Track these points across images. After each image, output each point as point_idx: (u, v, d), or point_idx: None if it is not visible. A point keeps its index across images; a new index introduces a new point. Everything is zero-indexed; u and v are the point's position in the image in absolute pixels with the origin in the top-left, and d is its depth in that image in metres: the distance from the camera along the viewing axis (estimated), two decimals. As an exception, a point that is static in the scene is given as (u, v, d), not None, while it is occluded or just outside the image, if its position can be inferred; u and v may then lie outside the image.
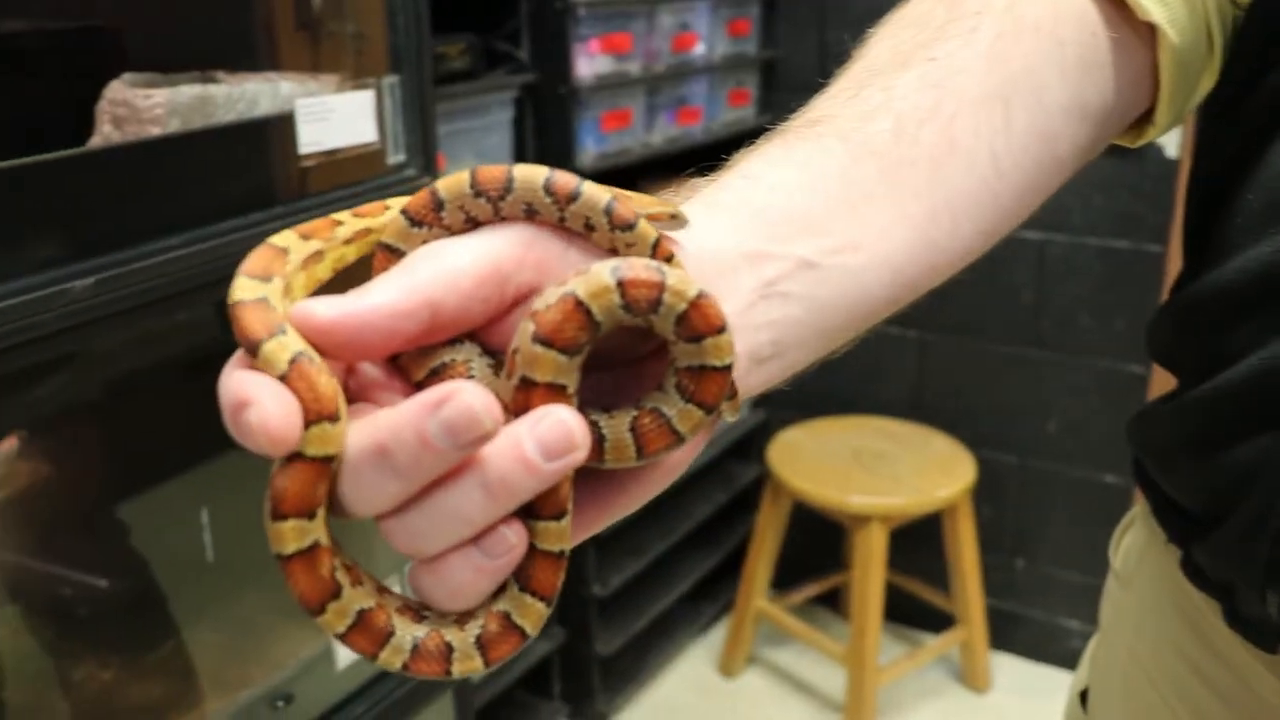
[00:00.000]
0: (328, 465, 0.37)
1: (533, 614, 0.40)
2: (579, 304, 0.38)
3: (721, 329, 0.40)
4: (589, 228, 0.41)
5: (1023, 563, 2.63)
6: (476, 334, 0.41)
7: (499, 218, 0.41)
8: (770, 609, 2.54)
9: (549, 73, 2.05)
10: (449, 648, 0.39)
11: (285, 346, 0.36)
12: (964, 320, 2.55)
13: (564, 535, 0.39)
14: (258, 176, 1.11)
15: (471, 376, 0.40)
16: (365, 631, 0.39)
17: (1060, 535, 2.58)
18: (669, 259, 0.42)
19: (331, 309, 0.37)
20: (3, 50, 1.25)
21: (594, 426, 0.41)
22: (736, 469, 2.84)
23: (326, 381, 0.36)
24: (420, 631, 0.39)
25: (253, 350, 0.37)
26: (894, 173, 0.49)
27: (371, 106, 1.18)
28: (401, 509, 0.37)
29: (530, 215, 0.41)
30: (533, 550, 0.39)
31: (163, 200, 1.03)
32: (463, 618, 0.40)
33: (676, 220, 0.44)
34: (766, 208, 0.47)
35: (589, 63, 2.11)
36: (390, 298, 0.37)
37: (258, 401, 0.35)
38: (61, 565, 1.31)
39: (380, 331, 0.37)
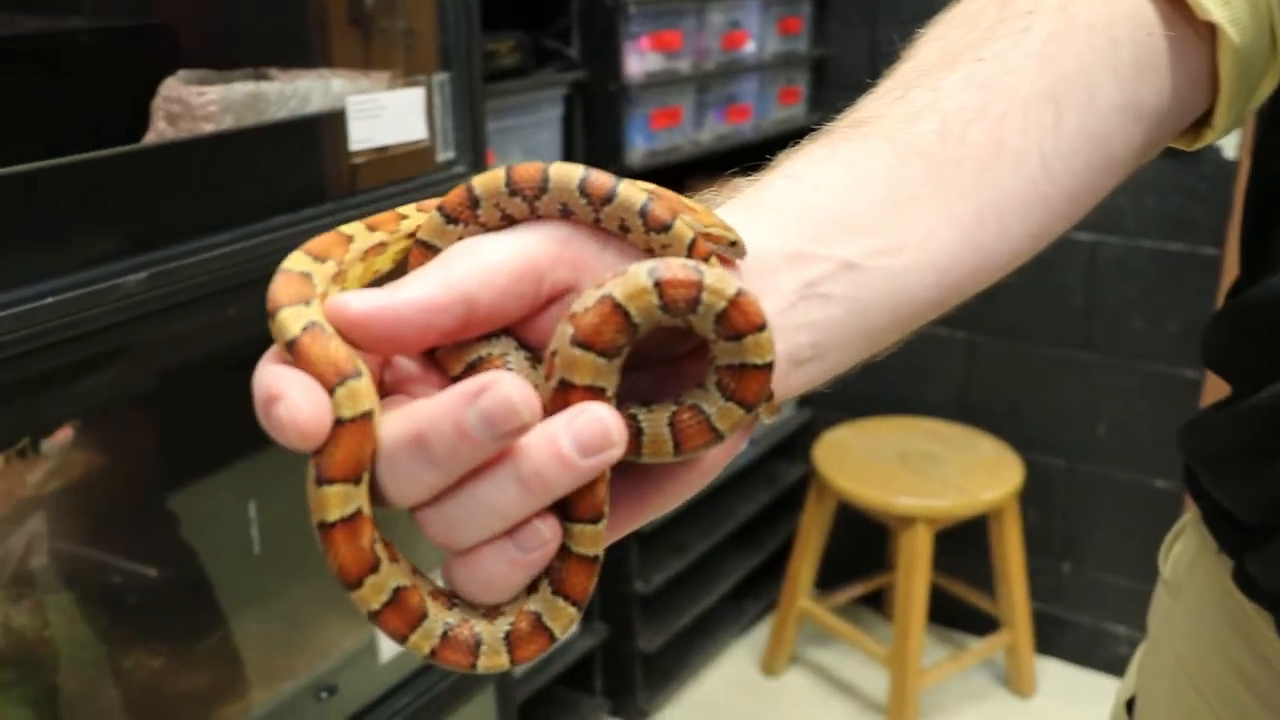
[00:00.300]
0: (368, 423, 0.37)
1: (563, 617, 0.40)
2: (617, 306, 0.38)
3: (762, 326, 0.40)
4: (624, 229, 0.41)
5: (1069, 567, 2.60)
6: (513, 330, 0.41)
7: (535, 216, 0.41)
8: (813, 609, 2.53)
9: (599, 70, 2.06)
10: (478, 641, 0.39)
11: (300, 315, 0.37)
12: (1013, 322, 2.52)
13: (598, 539, 0.39)
14: (309, 173, 1.12)
15: (509, 370, 0.40)
16: (400, 611, 0.38)
17: (1108, 540, 2.55)
18: (706, 259, 0.42)
19: (366, 302, 0.37)
20: (60, 48, 1.27)
21: (632, 420, 0.41)
22: (781, 468, 2.83)
23: (338, 345, 0.37)
24: (452, 619, 0.39)
25: (271, 314, 0.37)
26: (940, 174, 0.48)
27: (422, 104, 1.19)
28: (437, 499, 0.37)
29: (566, 214, 0.41)
30: (567, 553, 0.39)
31: (215, 196, 1.04)
32: (493, 612, 0.40)
33: (735, 249, 0.44)
34: (810, 208, 0.47)
35: (639, 60, 2.11)
36: (426, 292, 0.38)
37: (287, 396, 0.35)
38: (113, 554, 1.33)
39: (415, 326, 0.37)
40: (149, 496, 1.42)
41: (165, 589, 1.34)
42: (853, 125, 0.51)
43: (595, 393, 0.38)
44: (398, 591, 0.38)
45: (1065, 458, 2.54)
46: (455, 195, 0.41)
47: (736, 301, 0.39)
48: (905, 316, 0.48)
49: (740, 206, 0.47)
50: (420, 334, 0.38)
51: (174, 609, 1.35)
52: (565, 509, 0.38)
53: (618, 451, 0.37)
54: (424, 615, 0.39)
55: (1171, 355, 2.39)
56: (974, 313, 2.51)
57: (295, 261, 0.39)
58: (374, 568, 0.38)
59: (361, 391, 0.36)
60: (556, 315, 0.41)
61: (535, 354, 0.41)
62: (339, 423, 0.36)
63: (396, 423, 0.37)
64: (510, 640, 0.40)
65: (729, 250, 0.43)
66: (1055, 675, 2.59)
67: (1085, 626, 2.61)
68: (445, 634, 0.39)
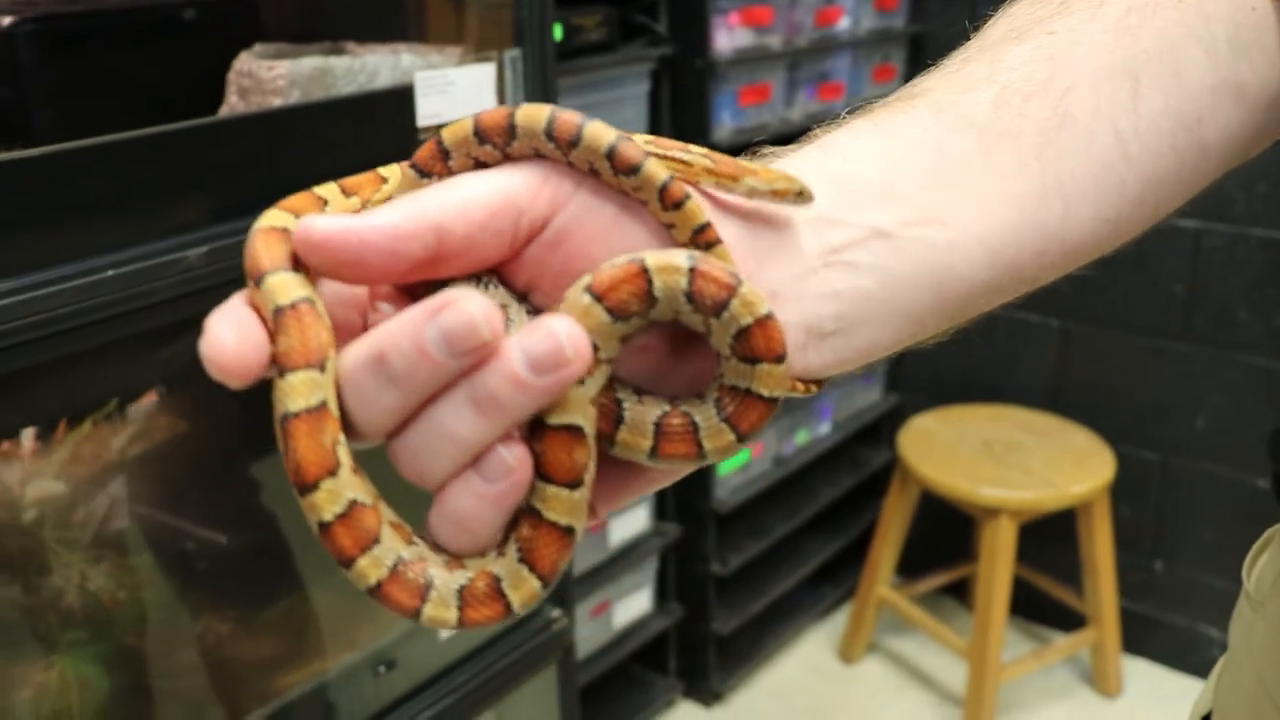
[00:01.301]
0: (312, 307, 0.36)
1: (525, 589, 0.38)
2: (644, 270, 0.37)
3: (781, 357, 0.38)
4: (594, 171, 0.39)
5: (1162, 565, 2.52)
6: (500, 274, 0.40)
7: (508, 161, 0.40)
8: (893, 597, 2.49)
9: (686, 45, 2.03)
10: (428, 584, 0.37)
11: (289, 286, 0.36)
12: (1109, 310, 2.44)
13: (575, 510, 0.37)
14: (375, 148, 1.11)
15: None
16: (352, 528, 0.36)
17: (1205, 539, 2.46)
18: (709, 246, 0.40)
19: (333, 224, 0.36)
20: (148, 20, 1.29)
21: (616, 406, 0.39)
22: (866, 453, 2.79)
23: (319, 331, 0.36)
24: (407, 554, 0.37)
25: (256, 280, 0.36)
26: (995, 145, 0.45)
27: (492, 80, 1.18)
28: (402, 429, 0.36)
29: (540, 156, 0.39)
30: (538, 519, 0.37)
31: (280, 171, 1.05)
32: (455, 563, 0.38)
33: (802, 197, 0.42)
34: (842, 175, 0.44)
35: (728, 36, 2.08)
36: (394, 219, 0.36)
37: (211, 330, 0.35)
38: (188, 519, 1.36)
39: (381, 252, 0.36)
40: (229, 463, 1.45)
41: (237, 555, 1.36)
42: (901, 98, 0.48)
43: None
44: (354, 505, 0.36)
45: (1161, 452, 2.46)
46: (426, 149, 0.39)
47: (763, 323, 0.38)
48: (953, 297, 0.45)
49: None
50: (387, 261, 0.36)
51: (244, 576, 1.37)
52: (540, 470, 0.37)
53: (574, 370, 0.35)
54: (377, 540, 0.37)
55: (1278, 349, 2.29)
56: (1068, 300, 2.46)
57: (272, 218, 0.38)
58: (332, 471, 0.36)
59: (321, 385, 0.35)
60: (537, 257, 0.39)
61: (535, 309, 0.40)
62: (278, 311, 0.35)
63: (360, 344, 0.36)
64: (463, 596, 0.37)
65: (796, 200, 0.42)
66: (1143, 676, 2.52)
67: (1177, 628, 2.53)
68: (395, 567, 0.37)
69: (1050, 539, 2.51)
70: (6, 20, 1.17)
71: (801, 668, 2.57)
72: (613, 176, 0.39)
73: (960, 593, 2.70)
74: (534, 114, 0.38)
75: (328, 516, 0.36)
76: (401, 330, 0.35)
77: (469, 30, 1.23)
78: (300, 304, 0.36)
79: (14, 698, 1.19)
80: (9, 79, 1.19)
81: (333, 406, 0.36)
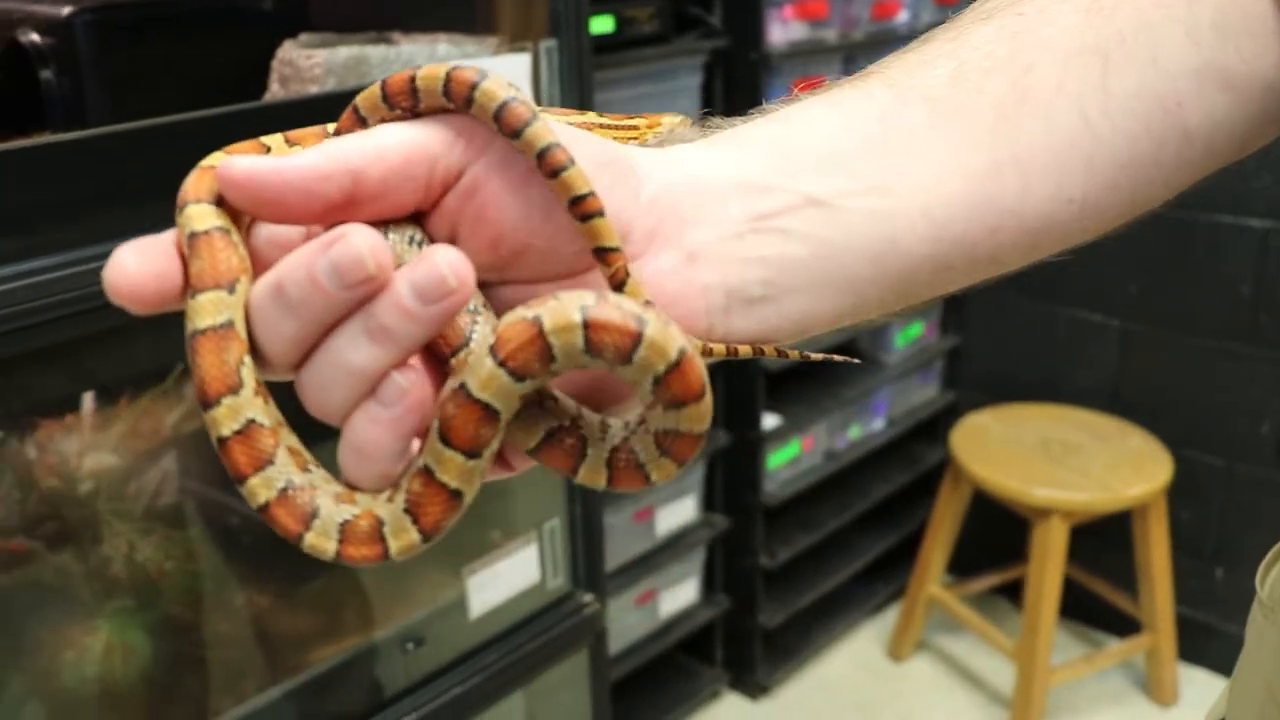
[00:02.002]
0: (226, 236, 0.37)
1: (405, 539, 0.39)
2: (541, 333, 0.37)
3: (701, 394, 0.38)
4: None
5: (1223, 572, 2.47)
6: (423, 224, 0.41)
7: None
8: (943, 596, 2.47)
9: (740, 38, 2.03)
10: (314, 512, 0.39)
11: (206, 215, 0.37)
12: (1172, 310, 2.39)
13: (467, 476, 0.38)
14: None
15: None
16: (249, 445, 0.38)
17: (1269, 547, 2.40)
18: (587, 218, 0.39)
19: (252, 164, 0.37)
20: (204, 10, 1.33)
21: (581, 442, 0.40)
22: (921, 450, 2.77)
23: (230, 256, 0.37)
24: (298, 479, 0.39)
25: (180, 207, 0.38)
26: (948, 119, 0.45)
27: (528, 71, 1.20)
28: (305, 362, 0.38)
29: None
30: (431, 479, 0.38)
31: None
32: (345, 496, 0.39)
33: (679, 126, 0.43)
34: (781, 142, 0.44)
35: (782, 29, 2.08)
36: (311, 160, 0.38)
37: (114, 257, 0.37)
38: (234, 495, 1.40)
39: (297, 191, 0.37)
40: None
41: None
42: (858, 76, 0.48)
43: (489, 412, 0.37)
44: (251, 424, 0.38)
45: (1223, 456, 2.40)
46: (344, 116, 0.41)
47: (680, 366, 0.38)
48: (894, 270, 0.45)
49: (700, 143, 0.45)
50: (304, 200, 0.38)
51: (286, 552, 1.41)
52: (444, 431, 0.38)
53: (458, 298, 0.37)
54: (271, 461, 0.38)
55: (1347, 354, 2.23)
56: (1129, 300, 2.42)
57: (214, 159, 0.39)
58: (234, 389, 0.37)
59: (229, 305, 0.37)
60: (454, 207, 0.40)
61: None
62: (192, 236, 0.37)
63: (265, 275, 0.38)
64: (344, 531, 0.39)
65: (672, 135, 0.43)
66: (1201, 685, 2.47)
67: (1238, 636, 2.45)
68: (285, 490, 0.38)
69: (1106, 542, 2.48)
70: (65, 10, 1.21)
71: (850, 664, 2.56)
72: (504, 138, 0.39)
73: (1013, 594, 2.67)
74: (432, 73, 0.39)
75: (225, 432, 0.37)
76: (298, 261, 0.37)
77: (505, 20, 1.25)
78: (214, 231, 0.37)
79: (60, 659, 1.24)
80: (68, 67, 1.24)
81: (240, 329, 0.37)
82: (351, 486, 0.39)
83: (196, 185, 0.38)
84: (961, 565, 2.62)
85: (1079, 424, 2.43)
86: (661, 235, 0.43)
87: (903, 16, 2.31)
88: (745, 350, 0.44)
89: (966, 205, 0.45)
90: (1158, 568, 2.32)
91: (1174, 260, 2.35)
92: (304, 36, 1.24)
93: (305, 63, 1.08)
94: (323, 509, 0.39)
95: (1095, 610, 2.58)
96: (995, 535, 2.61)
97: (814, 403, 2.40)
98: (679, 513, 2.22)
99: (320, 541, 0.39)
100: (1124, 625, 2.50)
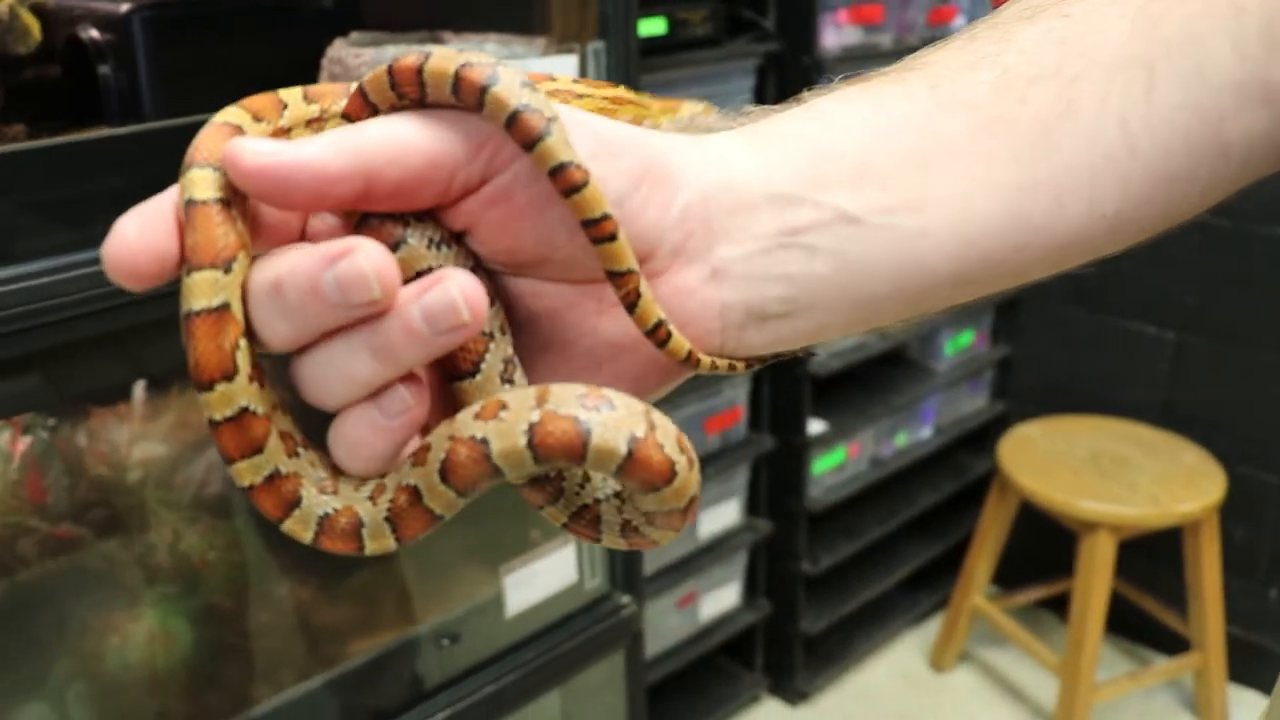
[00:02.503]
0: (225, 208, 0.36)
1: (381, 543, 0.39)
2: (488, 459, 0.37)
3: (672, 475, 0.37)
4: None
5: (1276, 593, 2.42)
6: (437, 214, 0.39)
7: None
8: (987, 607, 2.45)
9: (794, 42, 2.03)
10: (298, 500, 0.39)
11: (207, 183, 0.36)
12: (1228, 323, 2.35)
13: (453, 507, 0.38)
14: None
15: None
16: (240, 432, 0.37)
17: (1324, 567, 2.36)
18: (633, 307, 0.39)
19: (260, 155, 0.36)
20: (258, 7, 1.34)
21: (596, 506, 0.42)
22: (969, 459, 2.74)
23: (228, 232, 0.36)
24: (285, 467, 0.39)
25: (185, 168, 0.37)
26: (988, 130, 0.43)
27: (574, 72, 1.20)
28: (302, 353, 0.37)
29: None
30: (417, 500, 0.38)
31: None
32: (330, 485, 0.39)
33: (702, 113, 0.42)
34: (817, 146, 0.43)
35: (836, 33, 2.06)
36: (322, 157, 0.36)
37: (116, 228, 0.36)
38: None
39: (306, 191, 0.36)
40: (322, 435, 1.51)
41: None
42: (899, 69, 0.46)
43: (497, 472, 0.37)
44: (244, 412, 0.37)
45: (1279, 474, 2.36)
46: (352, 99, 0.39)
47: (634, 457, 0.36)
48: (915, 287, 0.44)
49: (740, 133, 0.44)
50: (312, 199, 0.37)
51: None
52: (444, 470, 0.37)
53: (470, 331, 0.36)
54: (260, 450, 0.38)
55: None
56: (1185, 312, 2.38)
57: (228, 114, 0.38)
58: (228, 375, 0.37)
59: (225, 285, 0.36)
60: (473, 210, 0.39)
61: (450, 244, 0.39)
62: (189, 204, 0.36)
63: (265, 265, 0.37)
64: (323, 524, 0.39)
65: (697, 121, 0.42)
66: (1251, 707, 2.42)
67: (1291, 658, 2.43)
68: (270, 477, 0.38)
69: (1156, 558, 2.44)
70: (124, 6, 1.24)
71: (891, 673, 2.54)
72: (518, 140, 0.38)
73: (1059, 607, 2.63)
74: (440, 69, 0.37)
75: (217, 417, 0.37)
76: (300, 266, 0.36)
77: (555, 21, 1.25)
78: (212, 203, 0.36)
79: (104, 643, 1.26)
80: (125, 62, 1.26)
81: (236, 310, 0.37)
82: (337, 470, 0.39)
83: (207, 145, 0.37)
84: (1007, 577, 2.59)
85: (1130, 437, 2.40)
86: (688, 250, 0.42)
87: (959, 22, 2.29)
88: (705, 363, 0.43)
89: (996, 223, 0.44)
90: (1209, 586, 2.28)
91: (1232, 273, 2.31)
92: (355, 35, 1.25)
93: (353, 61, 1.09)
94: (305, 499, 0.39)
95: (1143, 627, 2.54)
96: (1042, 547, 2.58)
97: (861, 409, 2.38)
98: (722, 516, 2.21)
99: (298, 529, 0.39)
100: (1173, 643, 2.46)
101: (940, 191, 0.43)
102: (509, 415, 0.36)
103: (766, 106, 0.46)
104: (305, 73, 1.24)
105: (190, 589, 1.34)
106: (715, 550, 2.20)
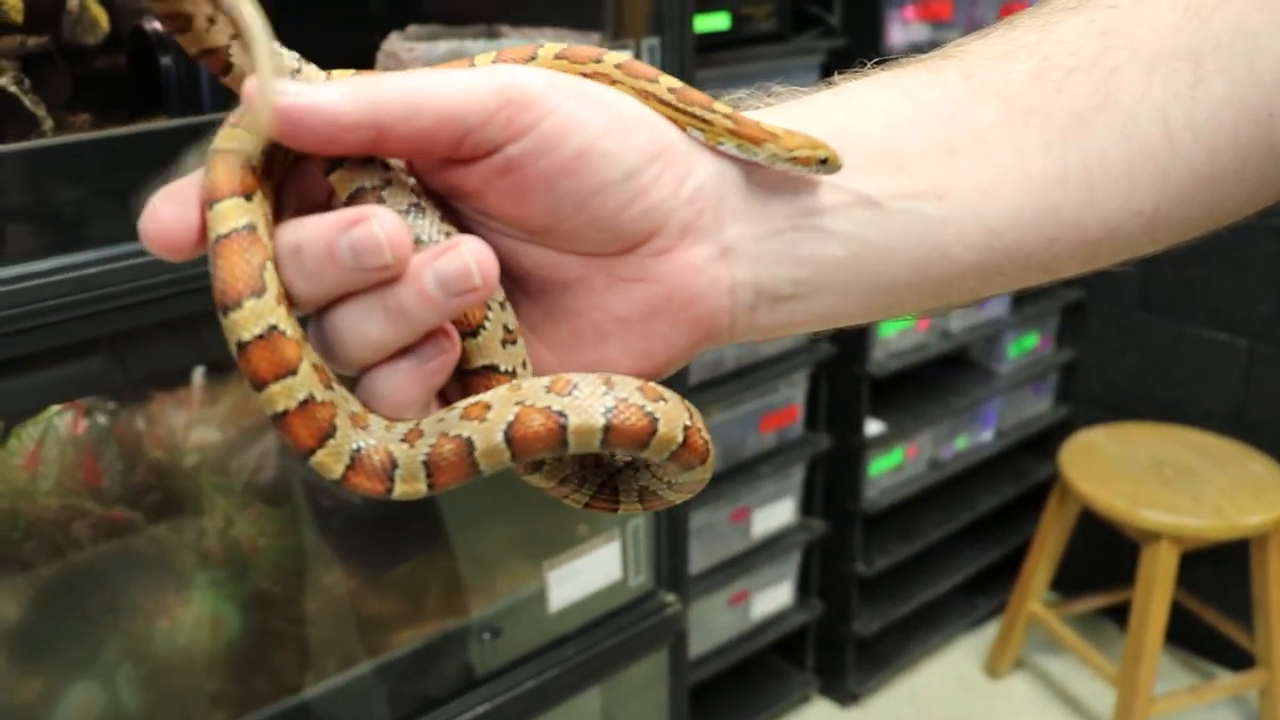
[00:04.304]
0: (239, 157, 0.37)
1: (411, 486, 0.39)
2: (562, 429, 0.38)
3: (707, 456, 0.41)
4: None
5: (1347, 609, 2.35)
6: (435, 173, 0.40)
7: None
8: (1045, 615, 2.41)
9: (859, 39, 2.00)
10: (330, 431, 0.38)
11: (243, 211, 0.37)
12: (1304, 333, 2.29)
13: (498, 468, 0.39)
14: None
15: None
16: (271, 352, 0.37)
17: (1398, 586, 2.28)
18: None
19: (277, 95, 0.36)
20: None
21: (613, 478, 0.44)
22: (1030, 463, 2.70)
23: (246, 173, 0.37)
24: (321, 394, 0.38)
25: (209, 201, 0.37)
26: (1020, 121, 0.43)
27: (628, 69, 1.19)
28: (321, 315, 0.39)
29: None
30: (468, 453, 0.38)
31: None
32: (360, 418, 0.39)
33: (828, 165, 0.41)
34: (843, 130, 0.42)
35: (903, 30, 2.03)
36: (336, 105, 0.36)
37: (150, 207, 0.38)
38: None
39: (317, 134, 0.37)
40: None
41: (370, 517, 1.43)
42: (935, 56, 0.46)
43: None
44: (274, 330, 0.37)
45: (1353, 489, 2.29)
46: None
47: (686, 444, 0.40)
48: (938, 276, 0.43)
49: (764, 115, 0.43)
50: (324, 143, 0.37)
51: (376, 537, 1.44)
52: (510, 437, 0.38)
53: (482, 294, 0.37)
54: (294, 370, 0.37)
55: None
56: (1261, 319, 2.31)
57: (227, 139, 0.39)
58: (258, 292, 0.36)
59: (263, 311, 0.37)
60: (484, 175, 0.39)
61: (426, 215, 0.39)
62: (212, 152, 0.38)
63: (290, 227, 0.38)
64: (355, 459, 0.38)
65: (820, 169, 0.41)
66: (1317, 724, 2.36)
67: (1360, 676, 2.35)
68: (305, 403, 0.37)
69: (1222, 570, 2.38)
70: None
71: (945, 677, 2.51)
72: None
73: (1121, 616, 2.58)
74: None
75: (247, 336, 0.36)
76: (318, 230, 0.37)
77: (608, 16, 1.24)
78: (232, 151, 0.37)
79: (155, 625, 1.28)
80: (186, 54, 1.28)
81: (264, 234, 0.37)
82: (364, 410, 0.39)
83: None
84: (1066, 584, 2.55)
85: (1197, 446, 2.34)
86: (698, 229, 0.42)
87: (1031, 19, 2.25)
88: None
89: (1026, 215, 0.43)
90: (1275, 600, 2.22)
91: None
92: (412, 28, 1.25)
93: (406, 55, 1.10)
94: (339, 431, 0.38)
95: (1206, 640, 2.48)
96: (1103, 555, 2.53)
97: (920, 411, 2.35)
98: (776, 515, 2.20)
99: (329, 461, 0.38)
100: (1237, 658, 2.40)
101: (966, 180, 0.42)
102: (583, 395, 0.38)
103: (795, 88, 0.46)
104: (362, 66, 1.25)
105: (240, 574, 1.36)
106: (769, 549, 2.18)
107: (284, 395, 0.37)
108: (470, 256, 0.37)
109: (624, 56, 0.42)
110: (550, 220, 0.40)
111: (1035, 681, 2.48)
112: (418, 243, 0.38)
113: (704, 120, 0.41)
